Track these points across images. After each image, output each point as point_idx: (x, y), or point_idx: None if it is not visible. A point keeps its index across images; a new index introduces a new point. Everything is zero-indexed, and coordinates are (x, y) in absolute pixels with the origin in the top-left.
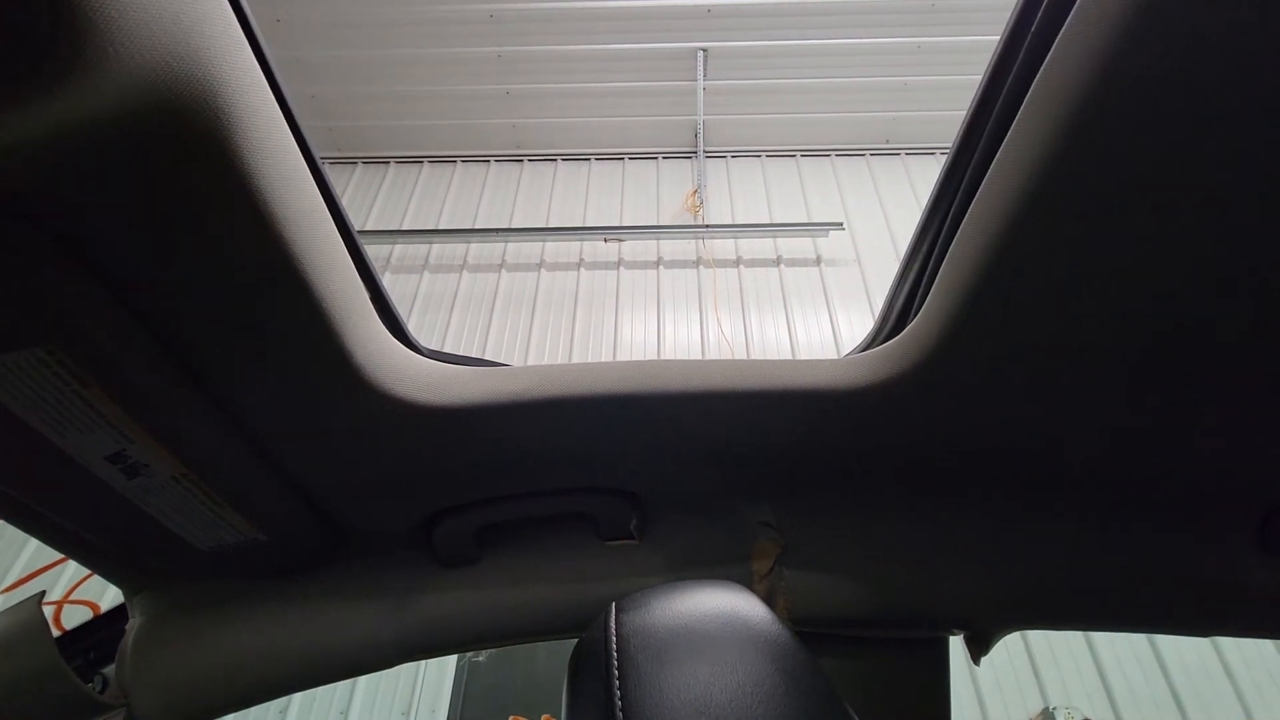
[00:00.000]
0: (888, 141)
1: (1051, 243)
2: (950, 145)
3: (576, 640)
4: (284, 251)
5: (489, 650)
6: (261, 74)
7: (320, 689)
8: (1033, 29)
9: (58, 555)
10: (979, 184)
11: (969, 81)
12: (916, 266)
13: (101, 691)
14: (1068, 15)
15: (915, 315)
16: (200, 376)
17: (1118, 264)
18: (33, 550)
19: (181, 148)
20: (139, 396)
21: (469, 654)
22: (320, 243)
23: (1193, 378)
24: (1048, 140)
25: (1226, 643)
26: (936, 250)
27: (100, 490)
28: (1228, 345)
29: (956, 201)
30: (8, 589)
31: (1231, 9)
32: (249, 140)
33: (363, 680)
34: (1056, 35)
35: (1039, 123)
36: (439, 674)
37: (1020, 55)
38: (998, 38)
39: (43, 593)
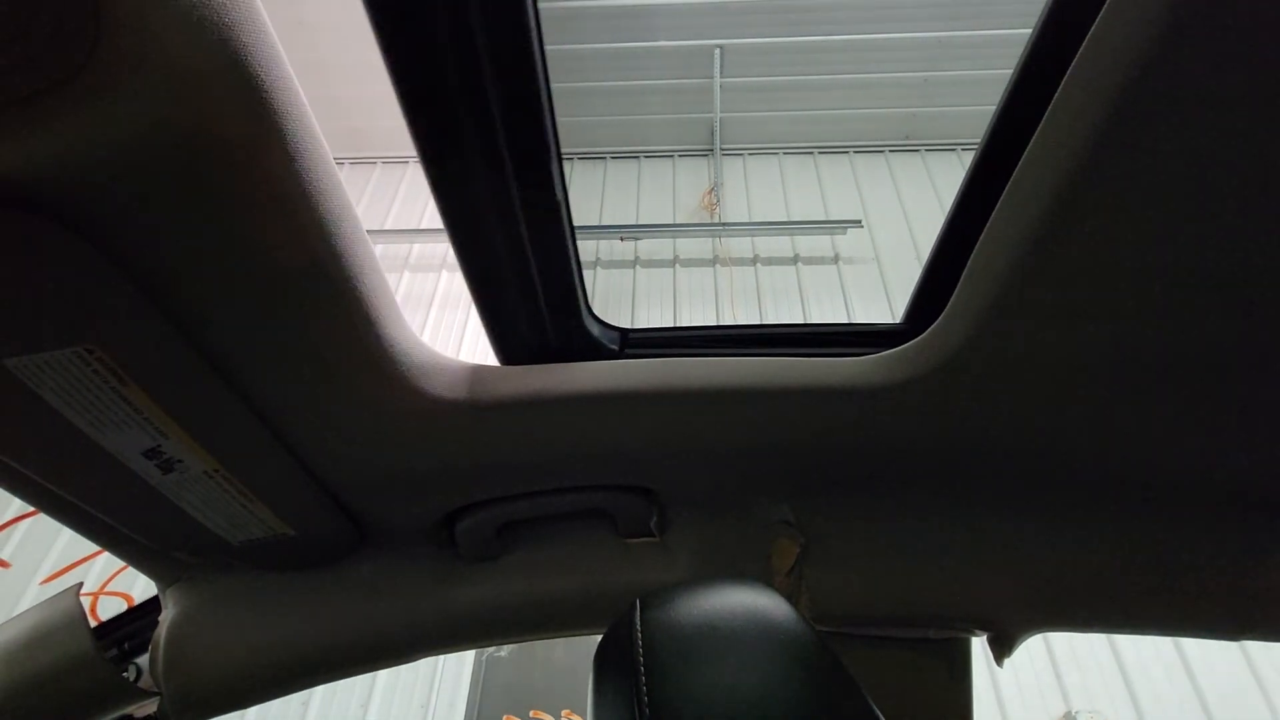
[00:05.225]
0: (907, 138)
1: (1079, 243)
2: (974, 143)
3: (598, 636)
4: (317, 251)
5: (509, 645)
6: (293, 77)
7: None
8: (1065, 24)
9: (90, 548)
10: (1005, 185)
11: (991, 77)
12: (939, 267)
13: (135, 680)
14: (1099, 11)
15: (938, 316)
16: (234, 374)
17: (1146, 263)
18: (65, 543)
19: (218, 151)
20: (175, 393)
21: (489, 648)
22: (351, 242)
23: (1224, 378)
24: (1077, 140)
25: (1255, 647)
26: (960, 251)
27: (136, 485)
28: (1261, 345)
29: (982, 203)
30: (45, 580)
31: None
32: (283, 143)
33: (382, 675)
34: (1088, 32)
35: (1068, 122)
36: (457, 668)
37: (1050, 51)
38: (1020, 32)
39: (80, 584)
